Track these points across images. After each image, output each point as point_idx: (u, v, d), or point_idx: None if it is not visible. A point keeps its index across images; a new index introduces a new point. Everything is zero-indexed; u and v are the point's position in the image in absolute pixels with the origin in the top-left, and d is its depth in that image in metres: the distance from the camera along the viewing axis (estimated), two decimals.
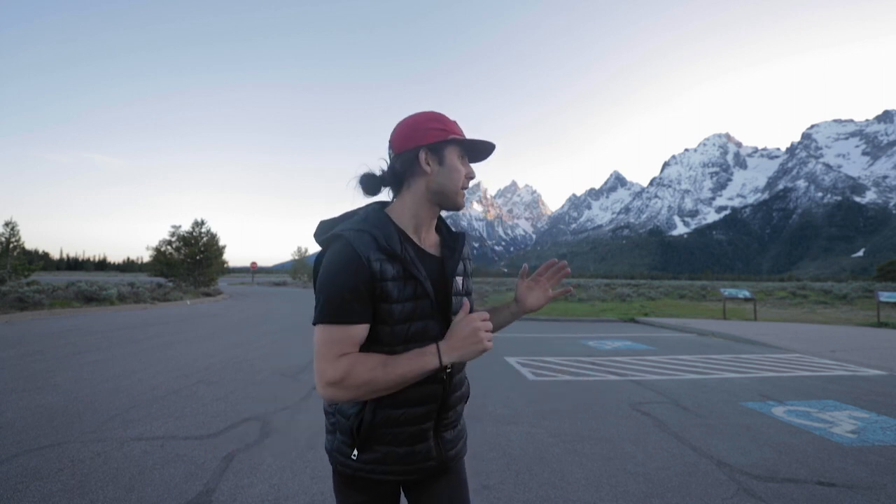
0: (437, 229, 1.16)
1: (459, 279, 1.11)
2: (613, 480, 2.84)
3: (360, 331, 0.94)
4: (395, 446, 0.99)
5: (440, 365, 0.94)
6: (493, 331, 1.10)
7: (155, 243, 25.87)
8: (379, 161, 1.10)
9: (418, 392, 0.99)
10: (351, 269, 0.92)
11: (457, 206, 1.09)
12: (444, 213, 1.17)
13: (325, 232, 1.04)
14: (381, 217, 1.03)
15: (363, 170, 1.07)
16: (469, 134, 1.10)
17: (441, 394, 1.03)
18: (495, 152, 1.14)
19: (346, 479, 1.03)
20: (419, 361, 0.94)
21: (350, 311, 0.92)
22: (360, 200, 1.09)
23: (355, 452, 0.99)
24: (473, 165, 1.13)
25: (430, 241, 1.11)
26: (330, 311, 0.92)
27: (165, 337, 8.55)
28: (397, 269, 0.97)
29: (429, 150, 1.05)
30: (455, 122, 1.09)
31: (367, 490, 1.03)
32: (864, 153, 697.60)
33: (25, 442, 3.23)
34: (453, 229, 1.19)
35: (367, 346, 0.97)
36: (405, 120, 1.07)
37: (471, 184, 1.12)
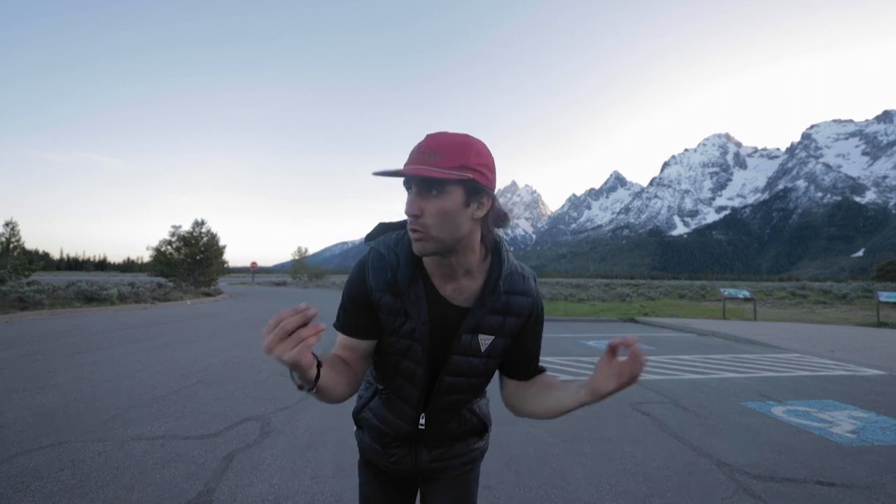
0: (490, 277, 0.99)
1: (486, 339, 0.98)
2: (613, 480, 2.84)
3: (347, 341, 1.00)
4: (374, 441, 1.11)
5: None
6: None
7: (155, 243, 25.86)
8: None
9: (391, 425, 1.06)
10: (355, 287, 0.99)
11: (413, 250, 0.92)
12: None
13: (376, 236, 1.04)
14: (407, 245, 0.96)
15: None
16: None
17: (412, 433, 1.05)
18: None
19: (360, 450, 1.17)
20: None
21: (343, 323, 1.00)
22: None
23: (355, 427, 1.17)
24: None
25: (453, 287, 0.98)
26: (337, 317, 1.02)
27: (166, 337, 8.55)
28: (397, 304, 0.96)
29: None
30: (417, 146, 0.88)
31: (371, 473, 1.16)
32: (864, 153, 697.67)
33: (26, 442, 3.23)
34: (500, 279, 0.97)
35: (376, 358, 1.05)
36: None
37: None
